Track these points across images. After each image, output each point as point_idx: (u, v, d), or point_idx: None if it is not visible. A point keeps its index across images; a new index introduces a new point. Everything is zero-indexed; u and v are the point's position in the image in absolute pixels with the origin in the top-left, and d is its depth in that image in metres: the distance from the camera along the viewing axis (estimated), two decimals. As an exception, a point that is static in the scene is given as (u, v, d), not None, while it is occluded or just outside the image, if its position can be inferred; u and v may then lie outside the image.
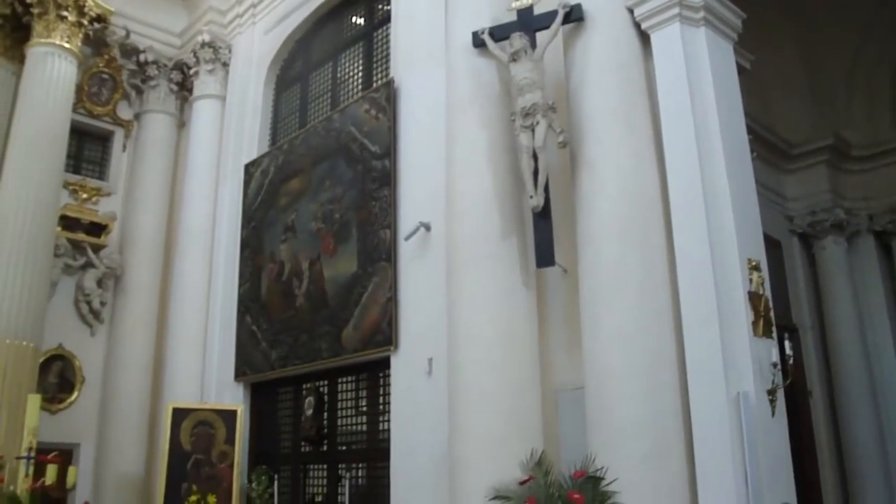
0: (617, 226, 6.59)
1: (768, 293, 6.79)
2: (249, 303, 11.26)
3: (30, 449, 6.72)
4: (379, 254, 9.14)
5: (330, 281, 9.82)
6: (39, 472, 7.47)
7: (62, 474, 8.86)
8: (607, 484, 5.93)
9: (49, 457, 7.86)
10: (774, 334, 6.71)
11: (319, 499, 10.01)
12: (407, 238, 8.74)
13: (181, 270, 12.23)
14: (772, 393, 6.43)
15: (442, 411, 7.47)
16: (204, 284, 12.03)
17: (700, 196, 6.54)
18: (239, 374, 11.19)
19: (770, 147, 10.98)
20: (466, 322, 7.19)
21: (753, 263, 6.71)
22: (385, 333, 8.79)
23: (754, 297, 6.57)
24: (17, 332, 10.34)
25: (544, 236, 7.05)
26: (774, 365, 6.49)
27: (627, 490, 5.89)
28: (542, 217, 7.02)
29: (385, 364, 8.99)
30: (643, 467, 6.02)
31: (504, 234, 7.16)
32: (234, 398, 11.12)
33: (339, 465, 9.63)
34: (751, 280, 6.62)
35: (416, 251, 8.73)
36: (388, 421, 8.87)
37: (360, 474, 9.47)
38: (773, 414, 6.44)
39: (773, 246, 9.78)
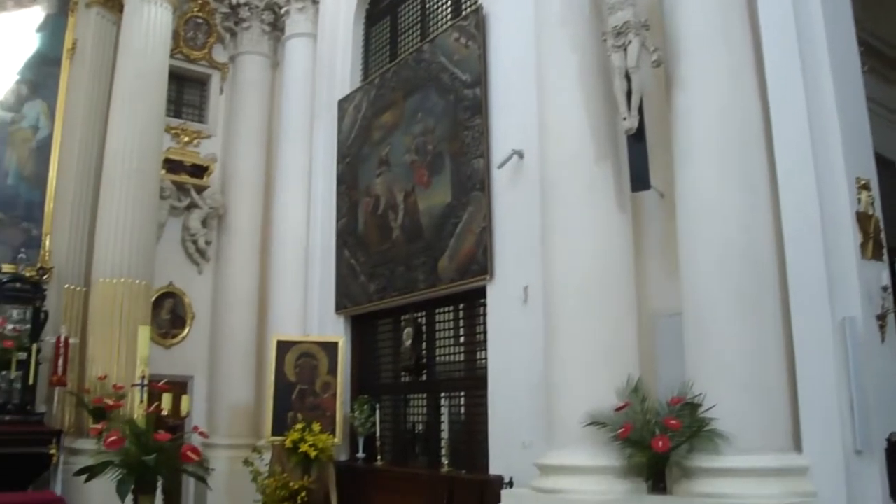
0: (715, 147, 6.32)
1: (879, 214, 6.46)
2: (347, 237, 11.44)
3: (143, 377, 7.08)
4: (472, 183, 9.11)
5: (425, 212, 9.87)
6: (155, 400, 7.84)
7: (177, 403, 9.32)
8: (705, 411, 5.84)
9: (160, 384, 8.26)
10: (885, 257, 6.39)
11: (420, 427, 10.23)
12: (500, 166, 8.68)
13: (280, 207, 12.49)
14: (881, 318, 6.16)
15: (538, 339, 7.46)
16: (303, 220, 12.26)
17: (804, 112, 6.22)
18: (339, 307, 11.44)
19: (884, 59, 10.34)
20: (561, 249, 7.08)
21: (862, 182, 6.37)
22: (480, 263, 8.81)
23: (863, 218, 6.26)
24: (130, 272, 10.81)
25: (639, 159, 6.84)
26: (885, 289, 6.19)
27: (726, 417, 5.77)
28: (637, 139, 6.80)
29: (481, 293, 9.03)
30: (743, 394, 5.85)
31: (598, 158, 7.00)
32: (336, 330, 11.40)
33: (439, 395, 9.79)
34: (859, 200, 6.30)
35: (509, 179, 8.67)
36: (486, 350, 8.95)
37: (459, 403, 9.60)
38: (882, 340, 6.18)
39: (885, 166, 9.28)
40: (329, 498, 9.95)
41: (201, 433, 5.87)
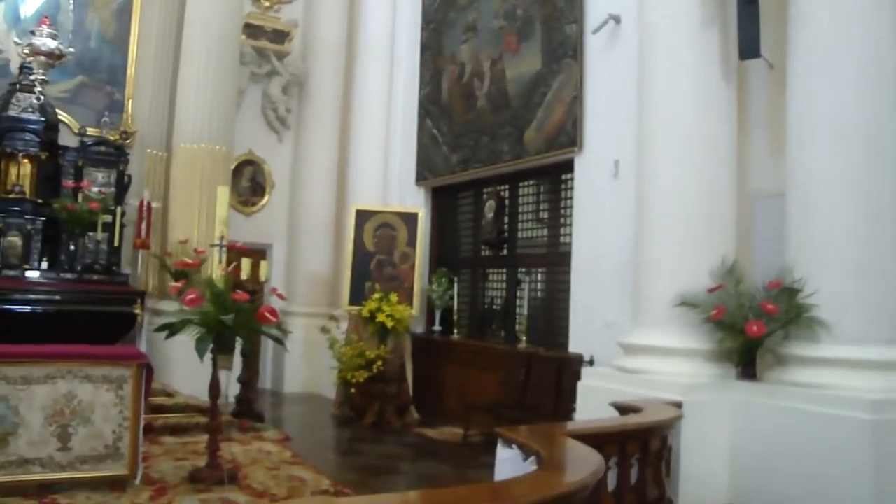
0: (835, 9, 5.72)
1: None
2: (430, 106, 11.09)
3: (221, 237, 6.99)
4: (564, 50, 8.60)
5: (512, 81, 9.42)
6: (234, 263, 7.83)
7: (255, 270, 9.34)
8: (806, 297, 5.48)
9: (237, 244, 8.22)
10: None
11: (498, 303, 10.10)
12: (595, 31, 8.14)
13: (362, 75, 12.16)
14: None
15: (628, 215, 7.14)
16: (385, 89, 11.93)
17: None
18: (420, 178, 11.22)
19: None
20: (659, 120, 6.65)
21: None
22: (570, 134, 8.40)
23: None
24: (211, 137, 10.72)
25: (749, 24, 6.27)
26: None
27: (827, 304, 5.42)
28: (748, 1, 6.22)
29: (568, 167, 8.67)
30: (849, 282, 5.45)
31: (704, 23, 6.45)
32: (415, 202, 11.22)
33: (519, 270, 9.58)
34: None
35: (604, 46, 8.15)
36: (570, 225, 8.66)
37: (539, 279, 9.38)
38: None
39: None
40: (404, 369, 9.98)
41: (279, 295, 5.79)
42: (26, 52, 7.39)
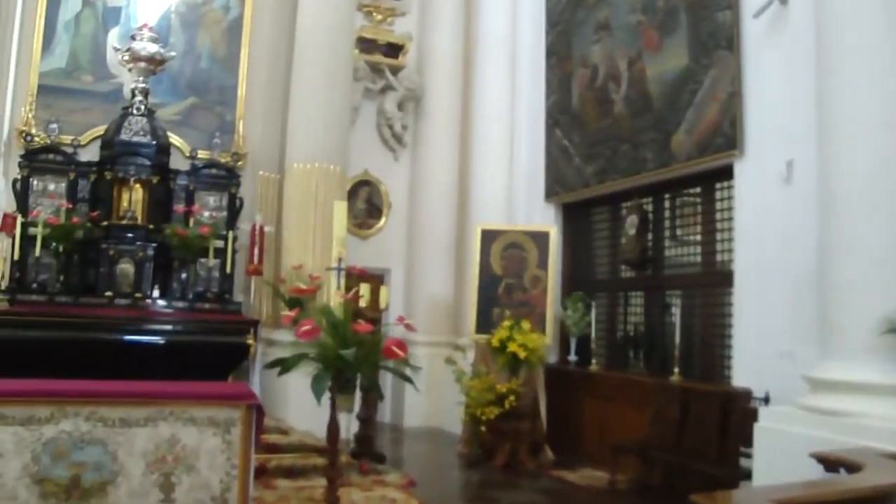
0: None
1: None
2: (559, 115, 10.16)
3: (339, 259, 6.23)
4: (716, 41, 7.54)
5: (654, 80, 8.40)
6: (352, 289, 7.10)
7: (375, 296, 8.60)
8: None
9: (357, 268, 7.47)
10: None
11: (642, 329, 9.03)
12: (756, 15, 7.06)
13: (482, 87, 11.35)
14: None
15: (804, 224, 6.12)
16: (507, 100, 11.08)
17: None
18: (550, 194, 10.28)
19: None
20: (843, 112, 5.58)
21: None
22: (727, 136, 7.32)
23: None
24: (325, 157, 10.14)
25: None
26: None
27: None
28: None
29: (724, 173, 7.59)
30: None
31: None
32: (545, 219, 10.28)
33: (667, 292, 8.50)
34: None
35: (767, 32, 7.05)
36: (730, 240, 7.56)
37: (692, 303, 8.25)
38: None
39: None
40: (537, 403, 9.01)
41: (407, 326, 4.95)
42: (126, 58, 6.86)
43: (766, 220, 6.89)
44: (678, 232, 8.67)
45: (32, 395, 5.04)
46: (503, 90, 11.15)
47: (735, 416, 6.71)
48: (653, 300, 8.86)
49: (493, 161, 10.94)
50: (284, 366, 4.93)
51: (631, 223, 8.81)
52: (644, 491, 7.38)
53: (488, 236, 9.68)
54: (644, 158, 8.50)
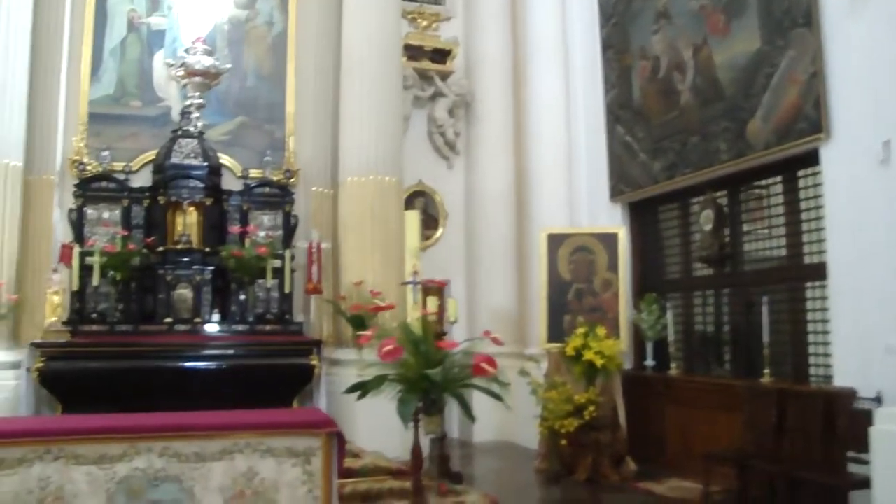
0: None
1: None
2: (619, 111, 9.75)
3: (414, 273, 5.89)
4: (792, 19, 7.09)
5: (724, 67, 7.96)
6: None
7: (440, 309, 8.29)
8: None
9: (436, 281, 7.15)
10: None
11: (724, 329, 8.57)
12: (837, -12, 6.62)
13: (534, 86, 10.96)
14: None
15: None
16: (562, 98, 10.68)
17: None
18: (615, 193, 9.86)
19: None
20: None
21: None
22: (810, 119, 6.86)
23: None
24: (378, 168, 9.84)
25: None
26: None
27: None
28: None
29: (808, 159, 7.13)
30: None
31: None
32: (611, 220, 9.84)
33: (750, 289, 8.04)
34: None
35: (849, 4, 6.58)
36: (818, 229, 7.11)
37: (775, 298, 7.78)
38: None
39: None
40: (616, 412, 8.59)
41: (494, 339, 4.60)
42: (180, 73, 6.64)
43: (862, 206, 6.40)
44: (757, 225, 8.20)
45: (104, 433, 4.81)
46: (557, 88, 10.75)
47: (841, 418, 6.23)
48: (734, 298, 8.40)
49: (552, 162, 10.54)
50: (365, 389, 4.61)
51: (705, 218, 8.36)
52: (744, 503, 6.91)
53: (554, 241, 9.30)
54: (717, 150, 8.06)
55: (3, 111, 8.81)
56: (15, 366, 8.75)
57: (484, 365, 4.33)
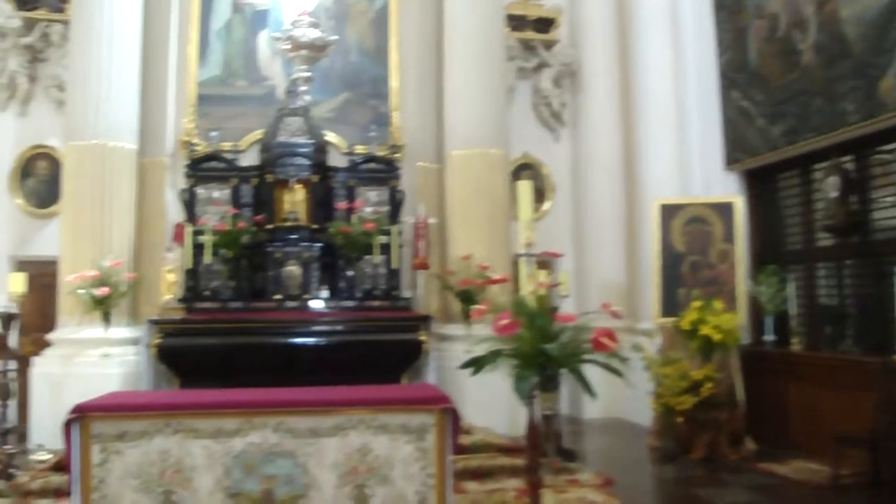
0: None
1: None
2: (734, 74, 9.31)
3: (528, 245, 5.74)
4: (930, -35, 6.58)
5: (850, 21, 7.45)
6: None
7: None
8: None
9: (551, 252, 6.96)
10: None
11: (850, 301, 8.10)
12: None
13: (642, 52, 10.49)
14: None
15: None
16: (671, 63, 10.21)
17: None
18: (730, 161, 9.43)
19: None
20: None
21: None
22: (951, 74, 6.36)
23: None
24: (484, 141, 9.78)
25: None
26: None
27: None
28: None
29: (947, 119, 6.62)
30: None
31: None
32: (726, 189, 9.42)
33: (883, 259, 7.55)
34: None
35: None
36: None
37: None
38: None
39: None
40: (734, 390, 8.24)
41: (613, 313, 4.40)
42: (287, 47, 6.64)
43: None
44: (888, 191, 7.68)
45: (220, 407, 4.85)
46: (666, 53, 10.29)
47: None
48: (862, 269, 7.92)
49: (662, 131, 10.11)
50: (479, 365, 4.48)
51: (831, 185, 7.88)
52: (876, 487, 6.52)
53: (667, 211, 8.96)
54: (843, 111, 7.57)
55: (117, 96, 9.11)
56: (135, 342, 9.06)
57: (604, 339, 4.14)
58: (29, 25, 10.06)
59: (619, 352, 4.43)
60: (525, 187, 6.09)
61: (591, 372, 4.50)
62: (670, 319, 8.53)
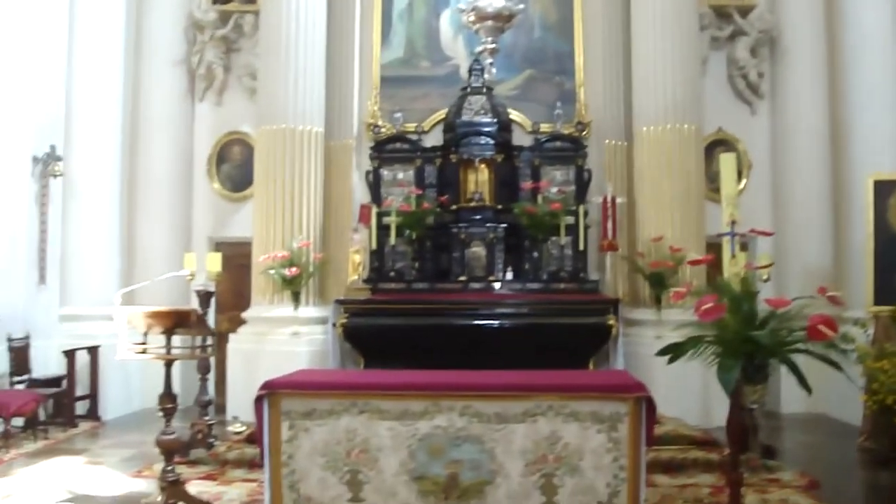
0: None
1: None
2: (965, 34, 8.35)
3: (732, 222, 5.32)
4: None
5: None
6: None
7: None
8: None
9: (760, 230, 6.47)
10: None
11: None
12: None
13: (852, 14, 9.57)
14: None
15: None
16: (886, 24, 9.30)
17: None
18: (959, 131, 8.48)
19: None
20: None
21: None
22: None
23: None
24: (676, 116, 9.32)
25: None
26: None
27: None
28: None
29: None
30: None
31: None
32: (954, 162, 8.49)
33: None
34: None
35: None
36: None
37: None
38: None
39: None
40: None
41: (832, 298, 3.92)
42: (472, 18, 6.51)
43: None
44: None
45: (407, 389, 4.78)
46: (880, 13, 9.36)
47: None
48: None
49: (877, 99, 9.21)
50: (678, 352, 4.15)
51: None
52: None
53: (883, 188, 8.12)
54: None
55: (305, 82, 9.37)
56: (322, 321, 9.28)
57: (822, 327, 3.70)
58: (223, 18, 10.61)
59: (837, 341, 3.96)
60: (728, 160, 5.64)
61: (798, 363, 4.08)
62: (886, 308, 7.76)
